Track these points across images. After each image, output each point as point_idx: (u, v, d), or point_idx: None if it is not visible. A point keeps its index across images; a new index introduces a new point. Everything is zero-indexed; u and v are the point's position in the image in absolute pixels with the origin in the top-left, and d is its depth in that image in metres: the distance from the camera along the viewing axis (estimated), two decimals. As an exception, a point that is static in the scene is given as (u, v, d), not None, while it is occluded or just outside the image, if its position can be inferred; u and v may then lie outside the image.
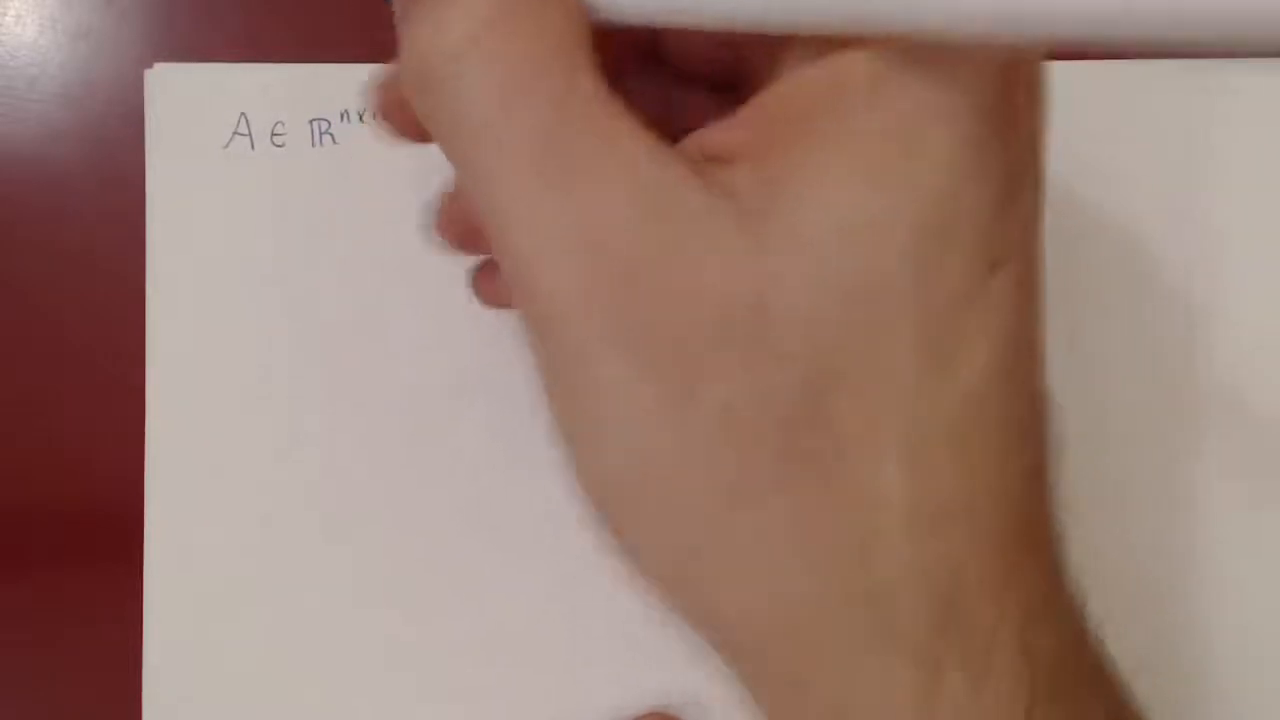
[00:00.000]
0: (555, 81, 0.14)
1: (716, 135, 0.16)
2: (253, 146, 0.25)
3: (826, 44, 0.15)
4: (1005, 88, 0.15)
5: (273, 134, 0.25)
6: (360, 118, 0.25)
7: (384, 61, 0.25)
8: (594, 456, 0.16)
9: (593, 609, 0.25)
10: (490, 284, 0.21)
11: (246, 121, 0.25)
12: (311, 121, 0.25)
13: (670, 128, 0.16)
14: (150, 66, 0.25)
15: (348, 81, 0.25)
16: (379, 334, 0.25)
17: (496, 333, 0.25)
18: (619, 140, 0.14)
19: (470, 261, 0.22)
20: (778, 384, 0.15)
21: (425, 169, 0.25)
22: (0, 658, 0.25)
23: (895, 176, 0.14)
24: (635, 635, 0.25)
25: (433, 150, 0.25)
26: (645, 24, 0.15)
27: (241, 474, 0.25)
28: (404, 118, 0.18)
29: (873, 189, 0.14)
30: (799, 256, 0.14)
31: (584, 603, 0.25)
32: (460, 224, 0.20)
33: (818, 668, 0.16)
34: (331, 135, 0.25)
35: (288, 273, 0.25)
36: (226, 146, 0.25)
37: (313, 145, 0.25)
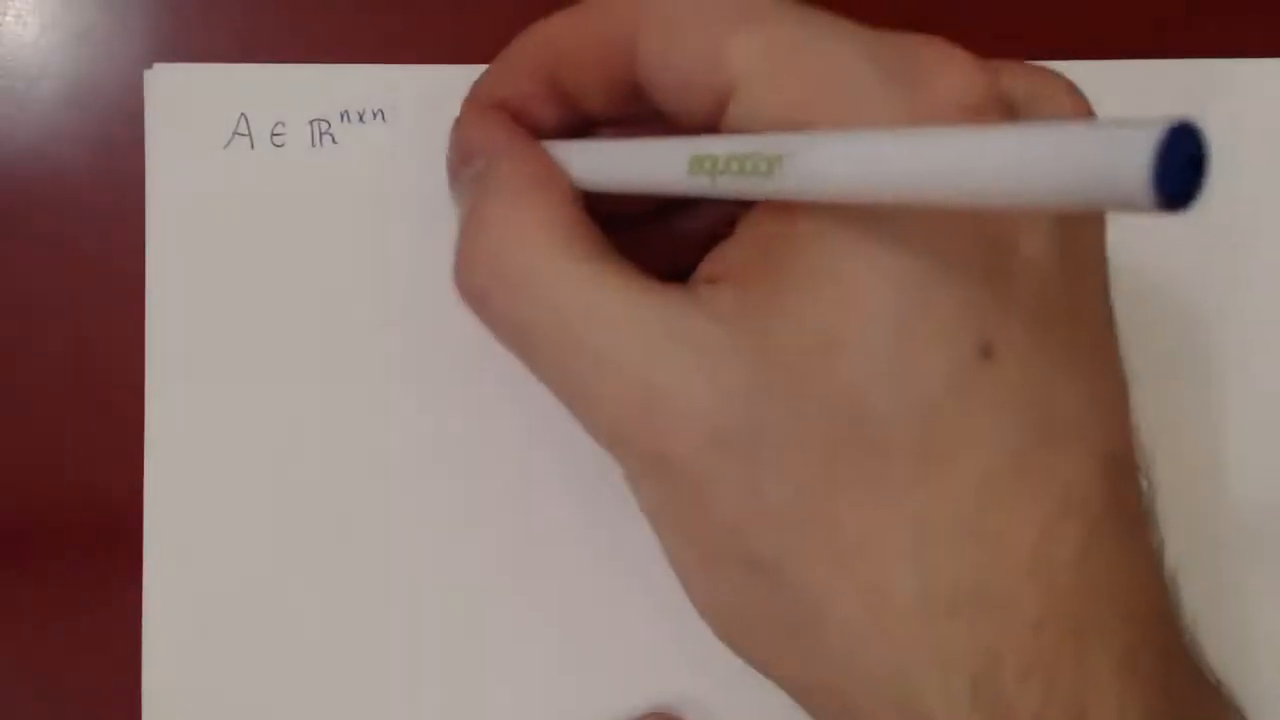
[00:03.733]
0: (560, 266, 0.17)
1: (710, 263, 0.18)
2: (253, 146, 0.25)
3: None
4: None
5: (273, 134, 0.25)
6: (360, 118, 0.25)
7: (385, 62, 0.25)
8: (661, 546, 0.18)
9: (594, 609, 0.25)
10: None
11: (246, 121, 0.25)
12: (311, 121, 0.25)
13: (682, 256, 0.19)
14: (150, 66, 0.25)
15: (348, 81, 0.25)
16: (379, 334, 0.25)
17: (496, 333, 0.25)
18: (619, 295, 0.17)
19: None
20: (775, 495, 0.15)
21: (424, 169, 0.25)
22: (0, 657, 0.25)
23: (854, 292, 0.15)
24: (637, 636, 0.25)
25: (430, 152, 0.25)
26: (619, 191, 0.18)
27: (241, 474, 0.25)
28: None
29: (835, 305, 0.15)
30: (779, 372, 0.15)
31: (585, 603, 0.25)
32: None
33: None
34: (331, 135, 0.25)
35: (288, 273, 0.25)
36: (226, 146, 0.25)
37: (313, 145, 0.25)
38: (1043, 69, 0.17)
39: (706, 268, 0.18)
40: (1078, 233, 0.17)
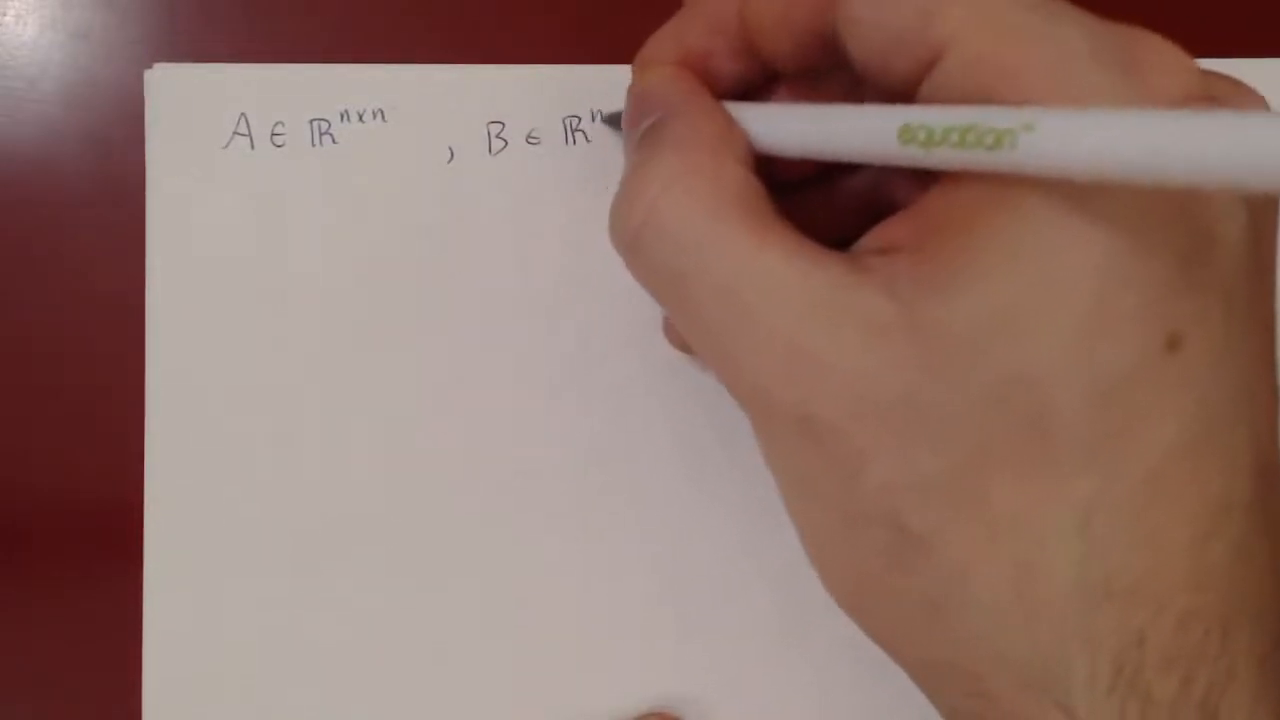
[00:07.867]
0: (728, 227, 0.17)
1: (884, 232, 0.17)
2: (253, 146, 0.25)
3: None
4: None
5: (273, 134, 0.25)
6: (360, 118, 0.25)
7: (385, 62, 0.25)
8: (790, 509, 0.18)
9: (594, 608, 0.25)
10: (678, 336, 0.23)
11: (246, 121, 0.25)
12: (311, 121, 0.25)
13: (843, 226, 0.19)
14: (150, 66, 0.25)
15: (348, 81, 0.25)
16: (378, 334, 0.25)
17: (496, 334, 0.25)
18: (783, 260, 0.16)
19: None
20: (927, 467, 0.15)
21: (424, 169, 0.25)
22: (0, 658, 0.25)
23: (1050, 270, 0.15)
24: (636, 635, 0.25)
25: (430, 152, 0.25)
26: (803, 156, 0.18)
27: (241, 474, 0.25)
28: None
29: (1027, 283, 0.15)
30: (949, 348, 0.15)
31: (585, 602, 0.25)
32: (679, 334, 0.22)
33: (1009, 716, 0.16)
34: (331, 135, 0.25)
35: (287, 273, 0.25)
36: (226, 146, 0.25)
37: (313, 145, 0.25)
38: (1234, 78, 0.17)
39: (878, 236, 0.17)
40: (1265, 224, 0.16)
